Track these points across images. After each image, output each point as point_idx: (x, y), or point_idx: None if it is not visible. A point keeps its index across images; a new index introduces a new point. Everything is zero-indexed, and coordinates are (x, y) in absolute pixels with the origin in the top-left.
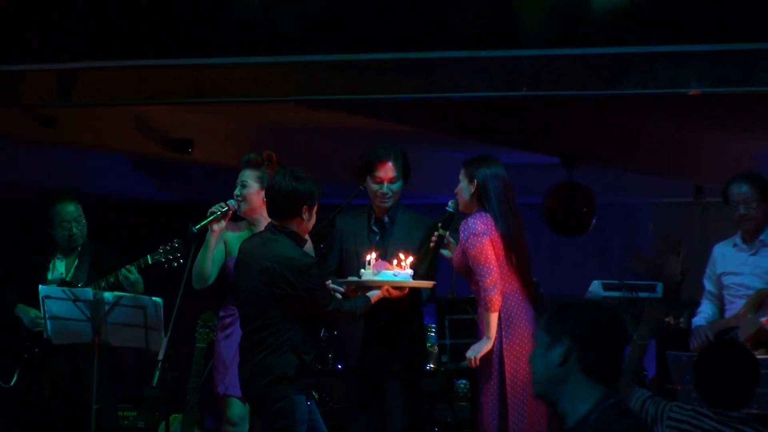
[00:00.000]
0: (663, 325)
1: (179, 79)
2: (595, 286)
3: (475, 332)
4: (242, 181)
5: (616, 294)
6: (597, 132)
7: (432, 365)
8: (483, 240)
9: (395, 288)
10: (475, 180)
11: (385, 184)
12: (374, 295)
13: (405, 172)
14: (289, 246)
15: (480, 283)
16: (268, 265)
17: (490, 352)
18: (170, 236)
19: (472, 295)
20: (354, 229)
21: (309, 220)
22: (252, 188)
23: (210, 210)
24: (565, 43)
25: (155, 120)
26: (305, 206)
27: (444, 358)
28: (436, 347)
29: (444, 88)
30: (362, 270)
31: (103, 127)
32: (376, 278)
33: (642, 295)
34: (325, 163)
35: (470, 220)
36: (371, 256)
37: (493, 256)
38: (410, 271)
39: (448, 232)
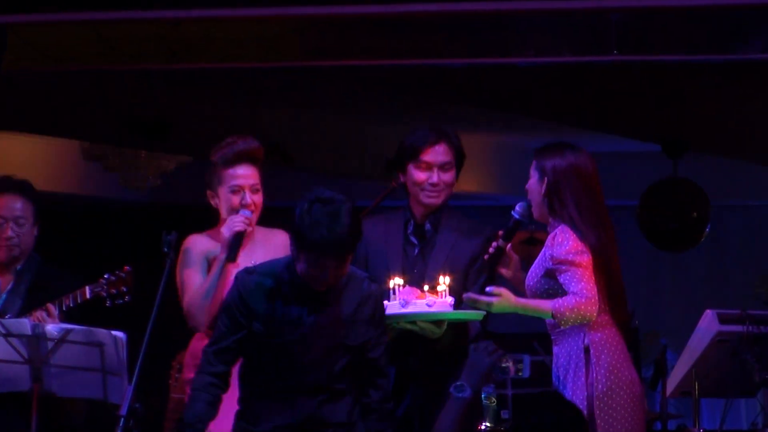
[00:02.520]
0: None
1: (150, 39)
2: None
3: (547, 378)
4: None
5: (737, 329)
6: (711, 111)
7: (488, 424)
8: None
9: (432, 322)
10: (546, 178)
11: (436, 172)
12: None
13: (460, 159)
14: None
15: (574, 290)
16: None
17: (574, 399)
18: (137, 249)
19: (544, 330)
20: (386, 238)
21: None
22: (260, 190)
23: (235, 224)
24: None
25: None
26: None
27: (505, 415)
28: (493, 399)
29: (506, 51)
30: (385, 301)
31: (47, 104)
32: (406, 311)
33: None
34: (347, 155)
35: (565, 235)
36: (395, 282)
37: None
38: (450, 299)
39: (510, 245)
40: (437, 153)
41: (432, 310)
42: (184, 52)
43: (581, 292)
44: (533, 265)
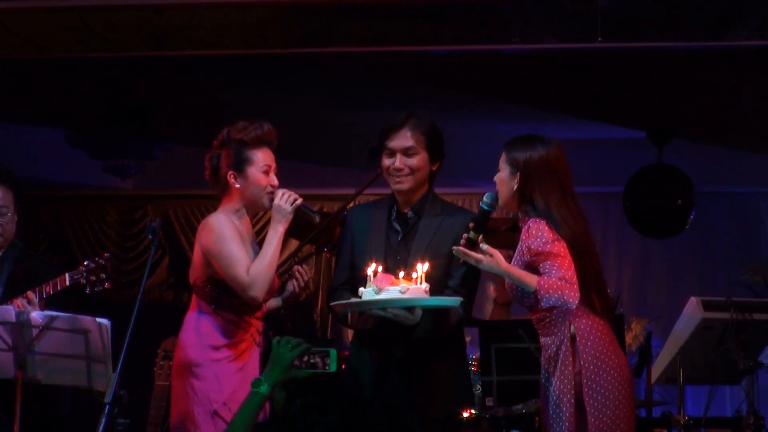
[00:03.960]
0: None
1: (134, 26)
2: None
3: (532, 365)
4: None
5: (722, 315)
6: (697, 97)
7: (473, 411)
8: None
9: (404, 308)
10: (518, 172)
11: (398, 156)
12: None
13: (432, 145)
14: None
15: (555, 274)
16: None
17: (562, 388)
18: (123, 236)
19: (528, 317)
20: (370, 225)
21: None
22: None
23: (292, 199)
24: None
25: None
26: None
27: (489, 402)
28: (478, 387)
29: (492, 38)
30: (361, 288)
31: (29, 91)
32: (380, 297)
33: (756, 316)
34: (334, 143)
35: (539, 226)
36: (371, 269)
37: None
38: (425, 286)
39: (481, 236)
40: (399, 138)
41: (405, 296)
42: (168, 39)
43: (564, 278)
44: (512, 259)
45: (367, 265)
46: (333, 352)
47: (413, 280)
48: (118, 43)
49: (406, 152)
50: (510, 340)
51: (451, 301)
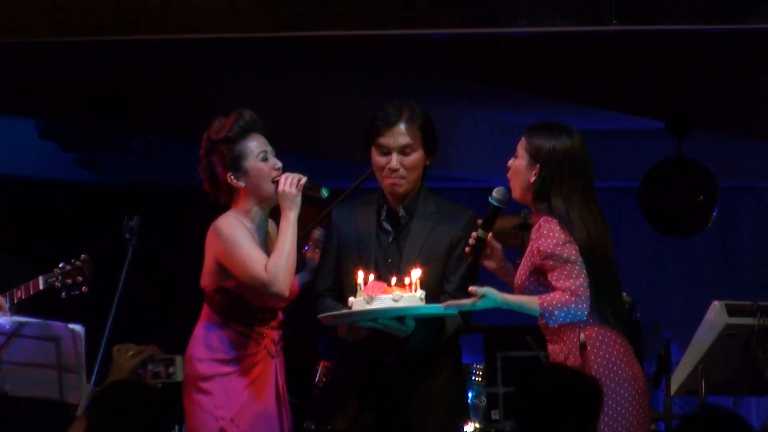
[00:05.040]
0: None
1: (109, 8)
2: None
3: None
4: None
5: (747, 321)
6: (719, 85)
7: (476, 425)
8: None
9: (395, 318)
10: (538, 163)
11: (395, 156)
12: None
13: (427, 140)
14: None
15: (563, 287)
16: None
17: None
18: (97, 236)
19: (536, 322)
20: (358, 225)
21: None
22: None
23: (297, 179)
24: None
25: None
26: None
27: (495, 415)
28: (483, 398)
29: (497, 20)
30: (351, 298)
31: None
32: (371, 307)
33: None
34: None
35: (550, 225)
36: (361, 278)
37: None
38: (420, 293)
39: (490, 234)
40: (395, 135)
41: (398, 305)
42: (146, 23)
43: (570, 289)
44: (522, 261)
45: (356, 271)
46: (179, 359)
47: (407, 287)
48: (93, 27)
49: (402, 150)
50: (517, 348)
51: (449, 309)
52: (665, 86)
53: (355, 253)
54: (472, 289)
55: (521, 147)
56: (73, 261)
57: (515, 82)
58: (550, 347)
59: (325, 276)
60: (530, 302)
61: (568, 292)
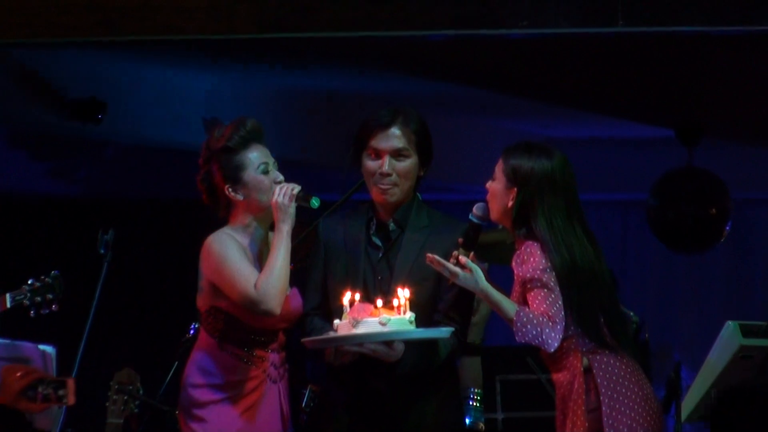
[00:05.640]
0: None
1: (83, 7)
2: None
3: (544, 400)
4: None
5: (763, 342)
6: (733, 90)
7: None
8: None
9: (383, 343)
10: (515, 187)
11: (387, 160)
12: None
13: (423, 147)
14: None
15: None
16: None
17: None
18: (69, 251)
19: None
20: (345, 239)
21: None
22: None
23: (290, 189)
24: None
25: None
26: None
27: None
28: (481, 425)
29: (496, 21)
30: (336, 321)
31: None
32: (357, 332)
33: None
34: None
35: (529, 250)
36: (347, 298)
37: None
38: (409, 315)
39: (472, 254)
40: (388, 138)
41: (386, 329)
42: (123, 22)
43: (548, 314)
44: (511, 293)
45: (344, 290)
46: (70, 382)
47: (395, 309)
48: (65, 27)
49: (396, 154)
50: (516, 371)
51: (441, 332)
52: (675, 92)
53: (342, 270)
54: (462, 258)
55: (499, 168)
56: (42, 278)
57: (515, 87)
58: (555, 377)
59: (312, 294)
60: (508, 306)
61: (545, 316)
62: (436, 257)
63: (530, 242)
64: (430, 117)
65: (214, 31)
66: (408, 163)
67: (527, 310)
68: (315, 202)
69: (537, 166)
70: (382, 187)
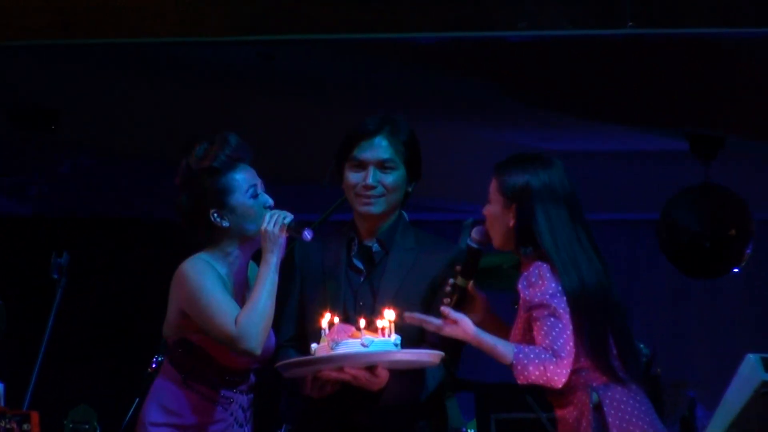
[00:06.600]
0: None
1: (37, 7)
2: None
3: None
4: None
5: None
6: (752, 99)
7: None
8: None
9: (366, 368)
10: (514, 204)
11: (371, 170)
12: None
13: (411, 160)
14: None
15: (545, 345)
16: None
17: None
18: (19, 276)
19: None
20: (323, 265)
21: None
22: None
23: (281, 218)
24: None
25: None
26: None
27: None
28: None
29: (494, 23)
30: (313, 344)
31: None
32: (335, 353)
33: None
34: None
35: (538, 272)
36: (326, 320)
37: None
38: (394, 338)
39: (472, 282)
40: (373, 148)
41: (368, 351)
42: (80, 24)
43: (553, 348)
44: (516, 318)
45: (321, 317)
46: (35, 416)
47: (379, 331)
48: (16, 28)
49: (382, 166)
50: (513, 409)
51: (430, 354)
52: (690, 100)
53: (320, 296)
54: (444, 309)
55: (493, 189)
56: None
57: (514, 95)
58: (559, 414)
59: (286, 324)
60: (504, 349)
61: (549, 351)
62: (416, 314)
63: (540, 263)
64: (417, 128)
65: (180, 34)
66: (395, 177)
67: (527, 349)
68: (307, 235)
69: (533, 178)
70: (365, 200)
